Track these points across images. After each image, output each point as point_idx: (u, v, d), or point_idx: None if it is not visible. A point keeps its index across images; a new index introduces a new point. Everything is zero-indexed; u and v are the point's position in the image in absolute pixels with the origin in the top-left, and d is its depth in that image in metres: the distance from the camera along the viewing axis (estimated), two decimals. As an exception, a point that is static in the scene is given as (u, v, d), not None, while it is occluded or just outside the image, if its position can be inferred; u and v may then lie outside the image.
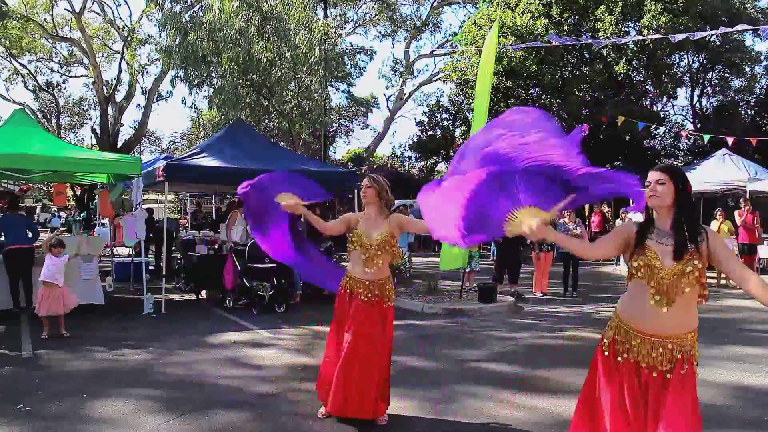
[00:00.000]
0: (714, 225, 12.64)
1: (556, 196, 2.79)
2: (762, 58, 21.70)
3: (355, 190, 11.02)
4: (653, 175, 2.81)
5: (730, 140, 14.53)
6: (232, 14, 14.62)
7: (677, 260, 2.69)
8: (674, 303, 2.69)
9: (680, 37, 9.47)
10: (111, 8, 30.21)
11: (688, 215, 2.77)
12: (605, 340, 2.89)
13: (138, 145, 31.37)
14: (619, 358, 2.80)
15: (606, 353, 2.85)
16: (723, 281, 12.44)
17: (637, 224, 2.90)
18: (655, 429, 2.68)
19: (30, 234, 8.57)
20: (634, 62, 18.85)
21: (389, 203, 4.37)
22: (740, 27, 8.90)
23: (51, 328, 7.03)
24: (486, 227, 2.90)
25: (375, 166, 28.07)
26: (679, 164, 21.14)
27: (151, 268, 12.40)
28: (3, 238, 8.71)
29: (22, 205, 28.32)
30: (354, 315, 4.18)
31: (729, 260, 2.74)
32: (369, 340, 4.13)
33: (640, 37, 10.23)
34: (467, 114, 22.35)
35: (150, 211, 13.76)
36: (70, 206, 29.79)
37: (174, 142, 37.90)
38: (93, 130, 30.82)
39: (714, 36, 17.29)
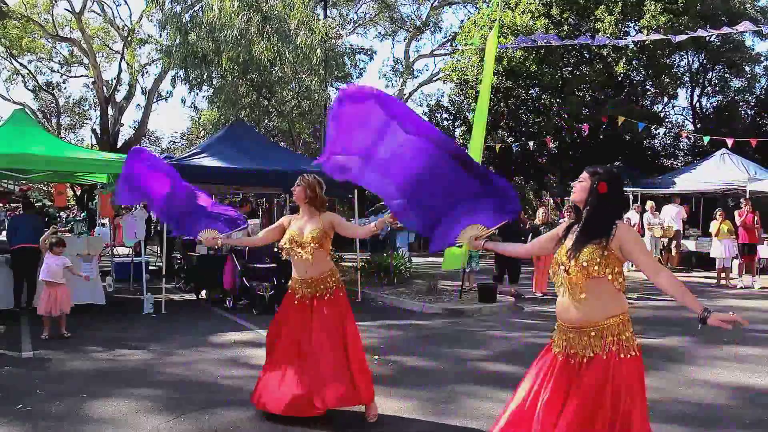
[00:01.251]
0: (714, 225, 12.64)
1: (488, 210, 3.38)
2: (762, 58, 21.69)
3: (355, 191, 11.02)
4: (581, 176, 3.01)
5: (729, 141, 14.52)
6: (232, 14, 14.62)
7: (573, 258, 2.84)
8: (586, 294, 2.82)
9: (681, 37, 9.48)
10: (111, 8, 30.16)
11: (591, 212, 2.89)
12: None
13: (138, 145, 31.33)
14: (555, 349, 2.97)
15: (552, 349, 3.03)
16: (723, 281, 12.45)
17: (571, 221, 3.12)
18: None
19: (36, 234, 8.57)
20: (634, 62, 18.83)
21: (322, 202, 4.41)
22: (741, 27, 8.90)
23: (51, 328, 7.03)
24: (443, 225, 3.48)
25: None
26: (679, 164, 21.12)
27: (152, 268, 12.41)
28: (12, 238, 8.71)
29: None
30: (301, 315, 4.27)
31: (637, 255, 2.83)
32: (324, 335, 4.20)
33: (641, 38, 10.24)
34: (467, 114, 22.32)
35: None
36: (70, 206, 29.78)
37: (174, 142, 37.90)
38: (93, 130, 30.83)
39: (714, 36, 17.28)
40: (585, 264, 2.79)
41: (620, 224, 2.86)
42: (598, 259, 2.79)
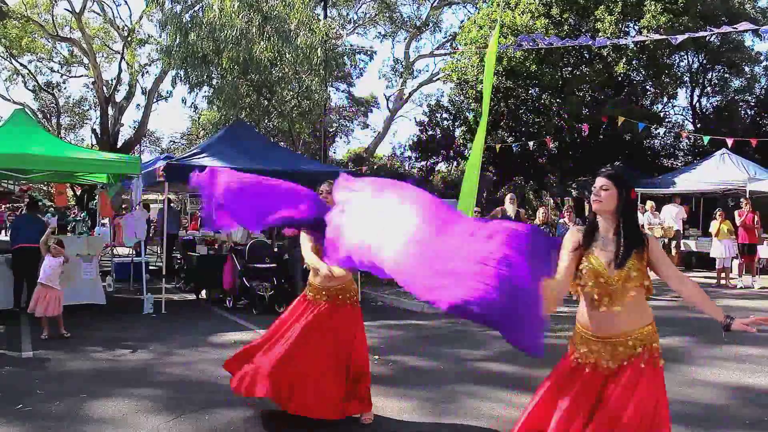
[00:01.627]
0: (714, 225, 12.64)
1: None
2: (762, 58, 21.69)
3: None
4: (598, 181, 2.88)
5: (729, 141, 14.52)
6: (233, 14, 14.62)
7: (619, 268, 2.77)
8: (623, 306, 2.77)
9: (681, 38, 9.48)
10: (111, 8, 30.09)
11: (628, 222, 2.84)
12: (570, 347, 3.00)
13: (138, 145, 31.35)
14: (578, 360, 2.89)
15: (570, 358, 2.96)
16: (723, 281, 12.45)
17: (580, 230, 2.96)
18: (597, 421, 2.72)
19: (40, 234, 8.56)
20: (634, 62, 18.83)
21: None
22: (742, 26, 8.89)
23: (51, 328, 7.03)
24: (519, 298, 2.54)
25: (375, 166, 28.07)
26: (679, 164, 21.11)
27: (152, 268, 12.41)
28: (14, 237, 8.71)
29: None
30: (324, 318, 4.21)
31: (667, 267, 2.83)
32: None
33: (641, 38, 10.24)
34: (467, 114, 22.31)
35: (146, 207, 13.78)
36: (71, 206, 29.80)
37: (174, 142, 37.88)
38: (93, 130, 30.83)
39: (714, 36, 17.28)
40: (634, 275, 2.75)
41: (648, 235, 2.88)
42: (640, 269, 2.78)
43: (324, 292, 4.27)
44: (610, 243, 2.84)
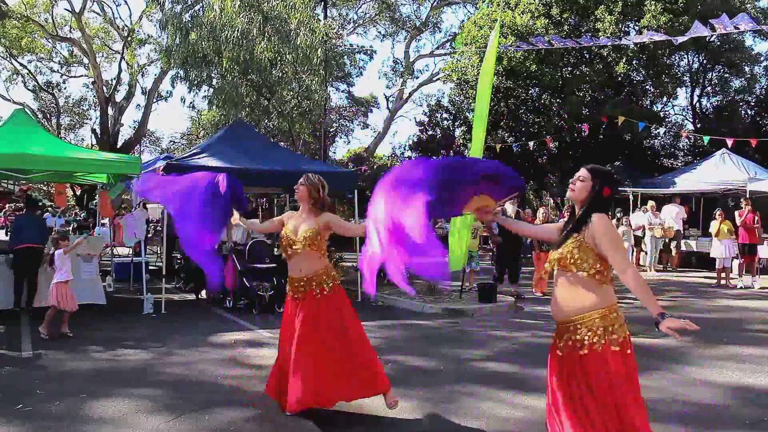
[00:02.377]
0: (714, 225, 12.64)
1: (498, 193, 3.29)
2: (762, 58, 21.69)
3: (355, 190, 11.02)
4: (579, 172, 3.01)
5: (729, 141, 14.52)
6: (233, 14, 14.62)
7: (558, 248, 2.90)
8: (560, 288, 2.89)
9: (682, 38, 9.48)
10: (111, 8, 30.12)
11: (587, 212, 2.90)
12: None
13: (138, 145, 31.37)
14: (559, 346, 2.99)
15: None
16: (723, 281, 12.45)
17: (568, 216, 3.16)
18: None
19: (41, 234, 8.57)
20: (634, 62, 18.83)
21: (323, 202, 4.44)
22: (741, 25, 8.86)
23: (53, 327, 7.03)
24: (444, 209, 3.39)
25: (375, 166, 28.05)
26: (679, 164, 21.11)
27: (152, 268, 12.40)
28: (15, 237, 8.69)
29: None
30: (300, 313, 4.31)
31: (605, 248, 2.81)
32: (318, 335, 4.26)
33: (643, 39, 10.21)
34: (467, 114, 22.32)
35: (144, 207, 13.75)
36: (71, 206, 29.81)
37: (174, 142, 37.90)
38: (93, 130, 30.85)
39: (714, 36, 17.28)
40: (559, 257, 2.87)
41: (596, 216, 2.85)
42: (576, 253, 2.82)
43: (296, 282, 4.36)
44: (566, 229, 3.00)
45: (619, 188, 16.73)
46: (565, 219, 3.20)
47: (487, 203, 3.30)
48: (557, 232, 3.12)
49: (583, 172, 3.00)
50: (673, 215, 14.97)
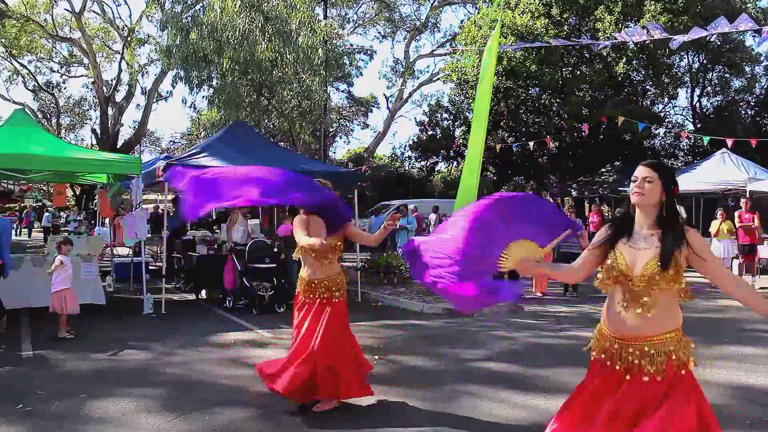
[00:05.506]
0: (714, 225, 12.63)
1: (548, 232, 2.91)
2: (762, 58, 21.72)
3: (355, 190, 11.03)
4: (641, 171, 2.65)
5: (729, 141, 14.52)
6: (234, 14, 14.62)
7: (664, 269, 2.52)
8: (649, 307, 2.55)
9: (683, 38, 9.48)
10: (111, 8, 30.18)
11: (671, 217, 2.59)
12: (591, 344, 2.80)
13: (138, 145, 31.39)
14: (606, 362, 2.68)
15: (593, 357, 2.76)
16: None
17: (611, 224, 2.76)
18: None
19: None
20: (634, 62, 18.86)
21: None
22: (741, 25, 8.85)
23: (55, 327, 7.04)
24: (484, 263, 2.89)
25: (375, 166, 28.08)
26: (679, 164, 21.12)
27: (152, 268, 12.39)
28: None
29: (22, 205, 28.31)
30: (317, 313, 4.44)
31: (715, 266, 2.58)
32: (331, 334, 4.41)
33: (644, 39, 10.20)
34: (467, 114, 22.35)
35: (176, 200, 13.76)
36: (70, 206, 29.84)
37: (174, 142, 37.93)
38: (93, 130, 30.88)
39: (714, 36, 17.29)
40: (671, 279, 2.51)
41: (691, 232, 2.56)
42: (675, 272, 2.52)
43: (313, 285, 4.47)
44: (641, 240, 2.61)
45: (619, 188, 16.74)
46: (613, 220, 2.86)
47: (531, 251, 2.86)
48: (600, 251, 2.72)
49: (647, 171, 2.62)
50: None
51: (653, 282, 2.52)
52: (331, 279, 4.50)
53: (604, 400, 2.63)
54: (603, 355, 2.67)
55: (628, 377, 2.59)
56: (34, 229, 27.92)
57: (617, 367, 2.61)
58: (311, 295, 4.49)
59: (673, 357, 2.54)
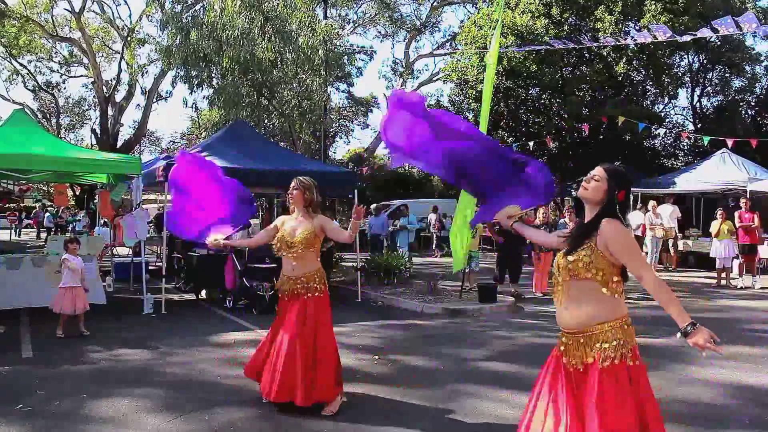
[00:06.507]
0: (714, 225, 12.63)
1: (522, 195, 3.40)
2: (762, 58, 21.71)
3: (355, 190, 11.02)
4: (594, 170, 2.83)
5: (730, 141, 14.51)
6: (234, 14, 14.62)
7: (567, 254, 2.72)
8: (568, 297, 2.72)
9: (684, 39, 9.47)
10: (111, 8, 30.17)
11: (598, 215, 2.72)
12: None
13: (138, 145, 31.38)
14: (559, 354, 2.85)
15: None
16: (723, 281, 12.44)
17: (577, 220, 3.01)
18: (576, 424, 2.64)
19: None
20: (634, 62, 18.85)
21: (315, 203, 4.63)
22: (744, 25, 8.84)
23: (68, 326, 7.05)
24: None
25: (375, 166, 28.07)
26: (679, 164, 21.12)
27: (152, 268, 12.38)
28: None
29: (22, 205, 28.27)
30: (290, 310, 4.51)
31: (622, 256, 2.64)
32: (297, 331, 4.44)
33: (646, 39, 10.19)
34: (467, 114, 22.34)
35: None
36: (71, 206, 29.82)
37: (174, 142, 37.93)
38: (93, 130, 30.88)
39: (714, 36, 17.30)
40: (580, 265, 2.65)
41: (605, 221, 2.67)
42: (587, 258, 2.64)
43: (290, 281, 4.53)
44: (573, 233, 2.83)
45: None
46: (567, 221, 3.13)
47: (513, 211, 3.36)
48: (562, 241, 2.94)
49: (599, 171, 2.80)
50: (667, 214, 14.96)
51: (566, 271, 2.70)
52: (307, 276, 4.52)
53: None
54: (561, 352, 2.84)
55: (566, 364, 2.75)
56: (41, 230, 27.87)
57: (564, 359, 2.78)
58: (287, 292, 4.57)
59: (606, 347, 2.63)
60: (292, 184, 4.63)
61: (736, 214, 12.39)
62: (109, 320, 8.13)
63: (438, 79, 28.94)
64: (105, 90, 27.04)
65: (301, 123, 18.11)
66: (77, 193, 28.80)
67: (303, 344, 4.38)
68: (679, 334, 2.54)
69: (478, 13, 20.84)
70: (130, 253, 12.37)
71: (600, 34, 16.95)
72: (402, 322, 8.38)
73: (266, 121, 20.36)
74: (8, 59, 28.73)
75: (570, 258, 2.69)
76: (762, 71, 21.94)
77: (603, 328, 2.65)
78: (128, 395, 4.91)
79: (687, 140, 21.86)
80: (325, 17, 17.90)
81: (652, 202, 14.86)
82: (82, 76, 32.61)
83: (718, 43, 19.92)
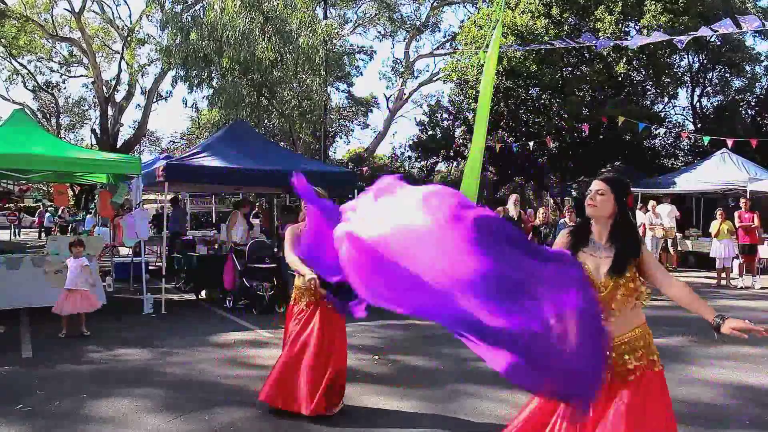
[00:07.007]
0: (714, 225, 12.62)
1: None
2: (762, 58, 21.70)
3: (356, 190, 11.01)
4: (594, 185, 2.77)
5: (730, 141, 14.51)
6: (234, 14, 14.62)
7: (616, 275, 2.66)
8: (610, 311, 2.68)
9: (684, 38, 9.47)
10: (111, 8, 30.16)
11: (625, 228, 2.73)
12: None
13: (138, 145, 31.38)
14: None
15: None
16: (723, 281, 12.44)
17: (570, 232, 2.87)
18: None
19: None
20: (634, 62, 18.84)
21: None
22: (744, 25, 8.84)
23: (70, 326, 7.06)
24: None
25: (375, 166, 28.07)
26: (679, 164, 21.10)
27: (152, 268, 12.38)
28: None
29: (21, 204, 28.26)
30: (306, 321, 4.44)
31: (656, 269, 2.75)
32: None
33: (647, 40, 10.17)
34: (467, 114, 22.33)
35: (175, 200, 13.81)
36: (71, 206, 29.81)
37: (174, 142, 37.91)
38: (93, 130, 30.87)
39: (714, 36, 17.29)
40: (621, 281, 2.67)
41: (644, 248, 2.78)
42: (632, 287, 2.69)
43: (307, 294, 4.45)
44: (602, 249, 2.73)
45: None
46: (566, 221, 3.05)
47: None
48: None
49: (600, 185, 2.75)
50: (665, 214, 14.96)
51: (618, 287, 2.66)
52: None
53: None
54: None
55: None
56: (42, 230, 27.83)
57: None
58: (306, 302, 4.47)
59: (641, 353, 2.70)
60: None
61: (736, 214, 12.39)
62: (109, 320, 8.13)
63: (438, 79, 28.93)
64: (105, 90, 27.03)
65: (301, 123, 18.11)
66: (76, 193, 28.78)
67: (326, 354, 4.38)
68: (716, 335, 2.74)
69: (478, 13, 20.82)
70: (130, 253, 12.37)
71: (600, 34, 16.93)
72: (402, 322, 8.37)
73: (266, 121, 20.35)
74: (8, 59, 28.73)
75: (621, 279, 2.68)
76: (762, 71, 21.93)
77: (632, 335, 2.72)
78: (128, 395, 4.91)
79: (687, 140, 21.84)
80: (325, 17, 17.91)
81: (651, 202, 14.86)
82: (82, 76, 32.63)
83: (718, 43, 19.91)
